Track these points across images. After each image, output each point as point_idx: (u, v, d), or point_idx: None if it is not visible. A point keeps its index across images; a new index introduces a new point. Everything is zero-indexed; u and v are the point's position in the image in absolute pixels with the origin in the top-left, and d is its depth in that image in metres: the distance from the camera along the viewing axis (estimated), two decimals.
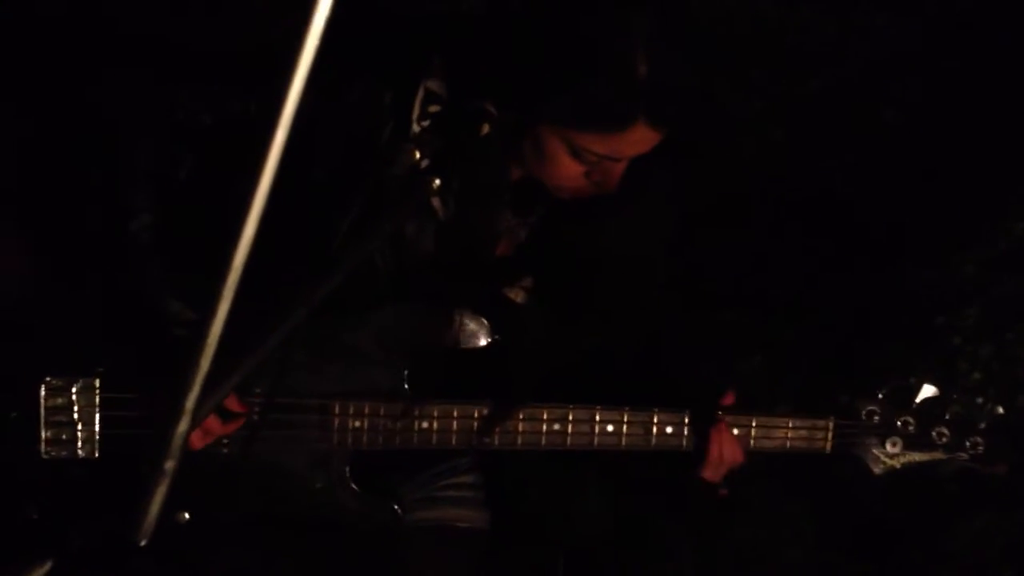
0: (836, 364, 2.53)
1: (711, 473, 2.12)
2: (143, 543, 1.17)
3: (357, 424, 2.09)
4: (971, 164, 3.01)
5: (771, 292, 3.05)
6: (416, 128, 1.95)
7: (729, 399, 2.16)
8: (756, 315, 2.98)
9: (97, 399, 2.02)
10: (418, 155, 1.65)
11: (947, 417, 2.17)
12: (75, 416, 2.01)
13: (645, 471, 2.93)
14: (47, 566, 1.16)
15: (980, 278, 3.03)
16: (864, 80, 3.02)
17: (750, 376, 2.26)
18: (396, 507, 2.16)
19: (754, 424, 2.15)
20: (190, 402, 1.08)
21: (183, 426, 1.10)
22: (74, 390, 2.01)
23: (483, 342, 2.09)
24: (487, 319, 2.09)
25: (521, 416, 2.12)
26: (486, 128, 1.73)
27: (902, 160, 3.05)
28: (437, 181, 1.63)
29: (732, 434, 2.12)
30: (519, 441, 2.13)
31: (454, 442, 2.12)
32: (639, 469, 2.97)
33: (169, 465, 1.12)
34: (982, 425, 2.17)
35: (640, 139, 1.87)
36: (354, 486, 2.12)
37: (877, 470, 2.20)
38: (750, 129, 3.00)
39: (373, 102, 1.99)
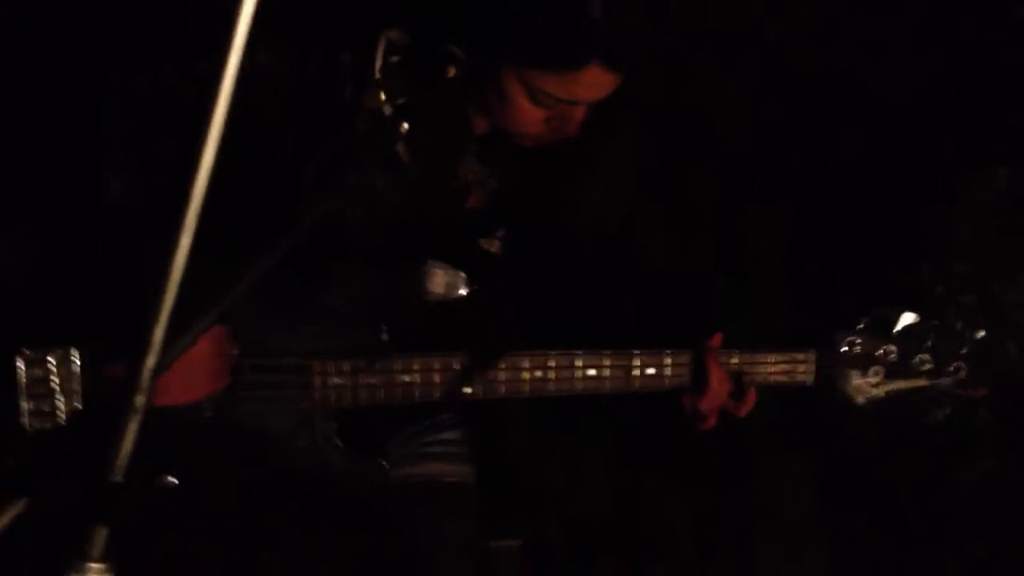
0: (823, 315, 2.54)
1: (708, 404, 2.13)
2: (118, 479, 1.17)
3: (338, 381, 2.08)
4: (952, 120, 3.02)
5: (761, 253, 3.06)
6: (379, 75, 1.96)
7: (716, 340, 2.16)
8: (744, 277, 2.99)
9: (77, 369, 2.01)
10: (383, 97, 1.66)
11: (928, 344, 2.17)
12: (55, 387, 2.01)
13: (641, 440, 2.96)
14: (20, 504, 1.15)
15: (962, 228, 3.04)
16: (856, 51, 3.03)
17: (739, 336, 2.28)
18: (384, 463, 2.16)
19: (736, 360, 2.15)
20: (157, 335, 1.08)
21: (151, 360, 1.10)
22: (51, 360, 2.00)
23: (461, 293, 2.09)
24: (464, 271, 2.08)
25: (503, 365, 2.11)
26: (452, 71, 1.74)
27: (887, 118, 3.05)
28: (405, 125, 1.63)
29: (721, 364, 2.13)
30: (502, 390, 2.13)
31: (437, 395, 2.11)
32: (635, 439, 3.00)
33: (139, 400, 1.12)
34: (963, 350, 2.17)
35: (595, 82, 1.91)
36: (340, 443, 2.12)
37: (861, 400, 2.20)
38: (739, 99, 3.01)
39: (331, 65, 2.00)
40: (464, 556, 2.30)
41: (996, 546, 3.08)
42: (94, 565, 1.23)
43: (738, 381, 2.13)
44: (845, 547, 3.18)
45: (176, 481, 2.07)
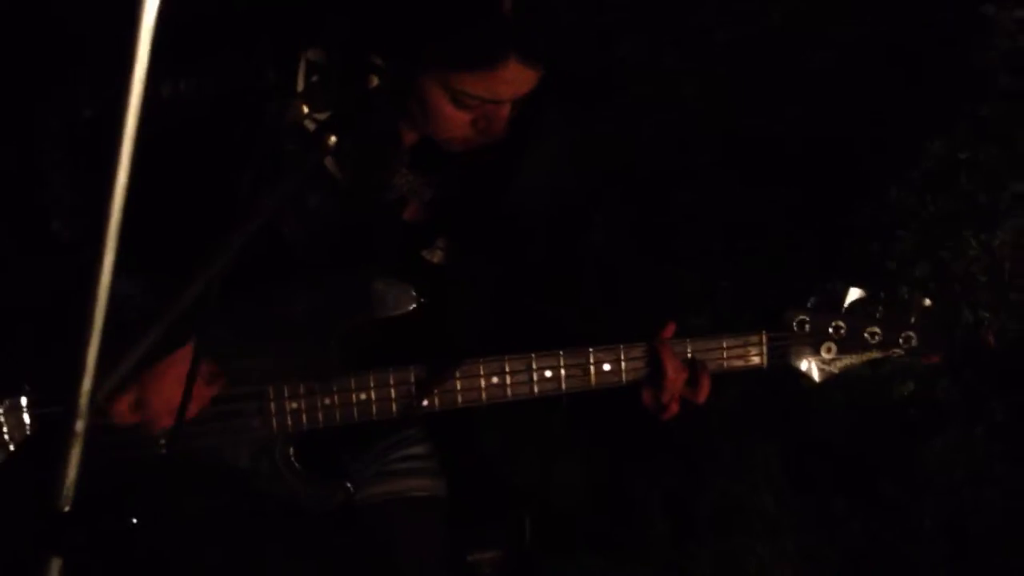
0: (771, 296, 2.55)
1: (667, 395, 2.12)
2: (65, 509, 1.16)
3: (294, 405, 2.08)
4: (888, 95, 3.06)
5: (712, 240, 3.08)
6: (301, 91, 1.96)
7: (669, 330, 2.16)
8: (699, 265, 3.01)
9: (26, 417, 2.00)
10: (306, 110, 1.66)
11: (877, 316, 2.18)
12: (5, 438, 1.99)
13: (614, 434, 2.96)
14: None
15: (907, 200, 3.07)
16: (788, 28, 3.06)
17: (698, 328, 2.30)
18: (348, 484, 2.15)
19: (689, 350, 2.16)
20: (90, 357, 1.07)
21: (87, 383, 1.09)
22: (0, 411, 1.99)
23: (409, 307, 2.09)
24: (409, 283, 2.09)
25: (457, 374, 2.11)
26: (375, 80, 1.74)
27: (826, 98, 3.08)
28: (332, 138, 1.63)
29: (675, 354, 2.14)
30: (459, 400, 2.12)
31: (394, 410, 2.11)
32: (608, 434, 3.00)
33: (79, 426, 1.11)
34: (912, 319, 2.18)
35: (515, 78, 1.91)
36: (300, 468, 2.11)
37: (817, 378, 2.21)
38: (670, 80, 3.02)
39: (252, 87, 2.00)
40: (443, 571, 2.31)
41: (969, 519, 3.10)
42: None
43: (693, 368, 2.13)
44: (820, 530, 3.19)
45: (135, 521, 2.04)
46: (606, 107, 2.78)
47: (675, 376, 2.11)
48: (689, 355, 2.14)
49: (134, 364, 1.31)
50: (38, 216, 2.05)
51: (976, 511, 3.08)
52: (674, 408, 2.15)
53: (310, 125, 1.68)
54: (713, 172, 3.01)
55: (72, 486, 1.16)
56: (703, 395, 2.15)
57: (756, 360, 2.18)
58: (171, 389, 1.97)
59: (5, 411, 1.99)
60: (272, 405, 2.08)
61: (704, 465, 3.24)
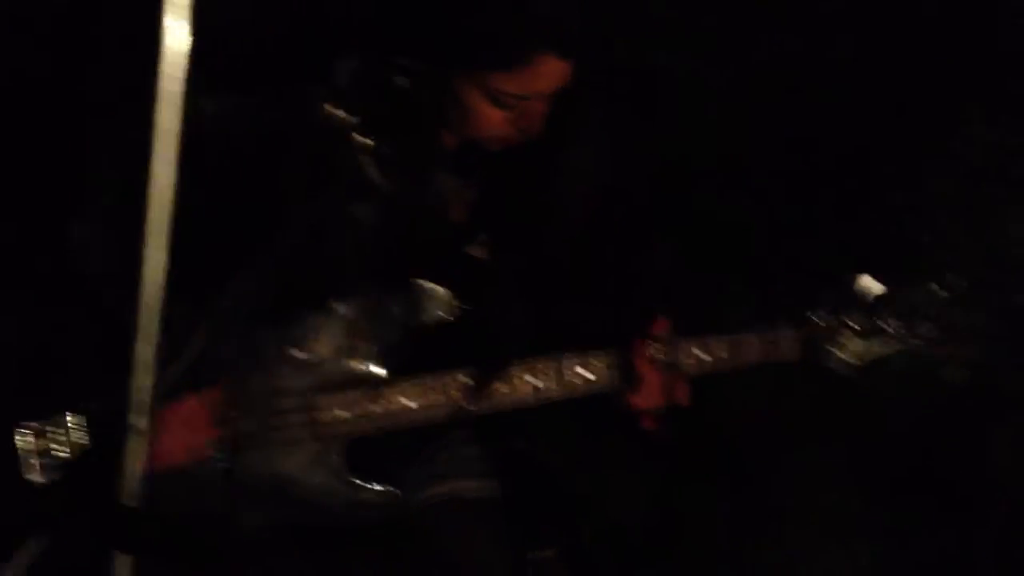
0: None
1: (644, 401, 2.13)
2: (131, 504, 1.24)
3: (342, 415, 2.16)
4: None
5: (750, 246, 3.08)
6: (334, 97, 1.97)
7: (660, 326, 2.17)
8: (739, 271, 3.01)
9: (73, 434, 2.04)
10: (342, 113, 1.72)
11: (896, 308, 2.25)
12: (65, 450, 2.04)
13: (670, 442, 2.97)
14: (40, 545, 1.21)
15: (947, 188, 3.06)
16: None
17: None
18: (396, 490, 2.21)
19: (715, 346, 2.21)
20: (141, 353, 1.17)
21: (142, 378, 1.18)
22: (50, 428, 2.03)
23: (452, 311, 2.17)
24: (454, 287, 2.15)
25: (504, 377, 2.16)
26: (406, 82, 1.80)
27: (856, 86, 3.06)
28: (369, 140, 1.70)
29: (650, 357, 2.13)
30: (507, 402, 2.18)
31: (441, 415, 2.17)
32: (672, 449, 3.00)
33: (138, 420, 1.20)
34: (931, 311, 2.25)
35: (550, 72, 1.96)
36: (351, 478, 2.18)
37: (847, 371, 2.27)
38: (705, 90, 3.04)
39: (288, 104, 2.05)
40: (498, 570, 2.32)
41: None
42: None
43: (669, 371, 2.13)
44: (890, 536, 3.15)
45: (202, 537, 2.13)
46: (651, 111, 2.81)
47: (652, 381, 2.12)
48: (666, 356, 2.15)
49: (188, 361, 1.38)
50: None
51: None
52: (651, 418, 2.16)
53: (347, 127, 1.73)
54: (751, 169, 3.02)
55: (137, 482, 1.24)
56: (684, 397, 2.15)
57: (788, 354, 2.24)
58: (176, 433, 2.02)
59: (73, 423, 2.05)
60: (320, 415, 2.15)
61: (764, 472, 3.21)
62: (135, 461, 1.23)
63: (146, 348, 1.16)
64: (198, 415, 2.07)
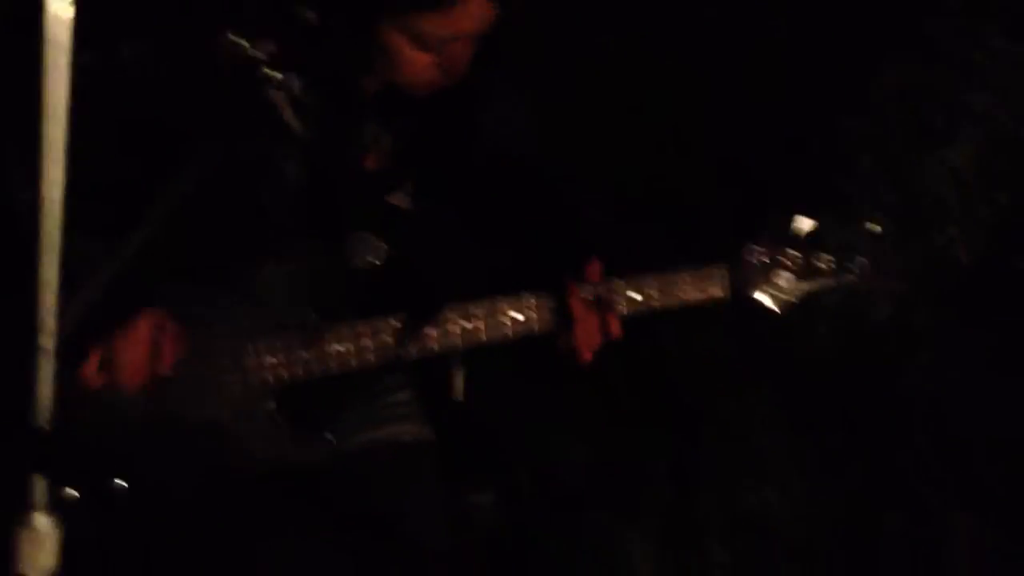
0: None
1: (580, 339, 2.12)
2: (43, 426, 1.23)
3: (273, 360, 2.14)
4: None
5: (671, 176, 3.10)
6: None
7: (592, 268, 2.18)
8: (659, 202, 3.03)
9: None
10: (247, 44, 1.70)
11: (828, 243, 2.26)
12: None
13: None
14: None
15: (863, 127, 3.10)
16: None
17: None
18: (328, 436, 2.21)
19: (647, 285, 2.21)
20: (47, 272, 1.15)
21: (47, 299, 1.17)
22: None
23: (380, 257, 2.16)
24: (377, 233, 2.15)
25: (434, 321, 2.15)
26: (312, 16, 1.77)
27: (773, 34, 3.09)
28: (279, 75, 1.68)
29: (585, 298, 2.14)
30: (436, 346, 2.17)
31: (373, 360, 2.17)
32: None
33: (45, 341, 1.19)
34: (862, 245, 2.26)
35: (475, 12, 1.95)
36: (282, 424, 2.17)
37: (778, 308, 2.28)
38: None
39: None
40: (436, 513, 2.32)
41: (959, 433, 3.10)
42: (38, 515, 1.30)
43: (601, 309, 2.14)
44: (824, 470, 3.19)
45: (125, 484, 2.11)
46: (573, 57, 2.81)
47: (585, 320, 2.12)
48: (598, 296, 2.15)
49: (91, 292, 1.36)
50: None
51: (967, 432, 3.09)
52: (588, 353, 2.15)
53: (256, 62, 1.71)
54: (679, 117, 3.04)
55: (48, 404, 1.23)
56: (616, 329, 2.15)
57: (717, 292, 2.25)
58: (136, 348, 2.02)
59: None
60: (251, 361, 2.13)
61: (703, 417, 3.24)
62: (45, 383, 1.21)
63: (49, 269, 1.14)
64: (148, 336, 2.03)
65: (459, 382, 2.45)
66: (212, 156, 1.61)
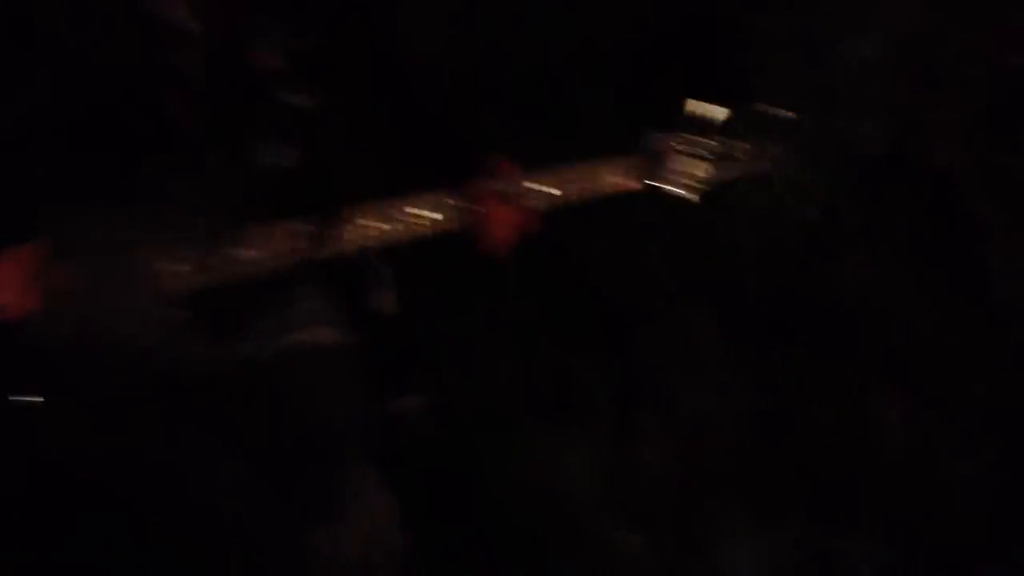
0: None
1: (496, 232, 2.13)
2: None
3: (181, 267, 2.10)
4: None
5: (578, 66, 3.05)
6: None
7: (502, 163, 2.17)
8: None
9: None
10: None
11: (743, 131, 2.25)
12: None
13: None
14: None
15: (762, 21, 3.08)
16: None
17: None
18: (245, 342, 2.18)
19: (558, 176, 2.19)
20: None
21: None
22: None
23: (283, 160, 2.12)
24: (282, 135, 2.11)
25: (342, 221, 2.13)
26: None
27: None
28: None
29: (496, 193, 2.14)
30: (347, 248, 2.14)
31: (285, 264, 2.13)
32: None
33: None
34: (777, 132, 2.26)
35: None
36: (194, 331, 2.13)
37: (693, 197, 2.28)
38: None
39: None
40: (356, 416, 2.32)
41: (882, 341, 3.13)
42: None
43: (511, 200, 2.14)
44: (757, 369, 3.21)
45: (40, 399, 2.07)
46: None
47: (499, 214, 2.12)
48: (509, 190, 2.15)
49: None
50: None
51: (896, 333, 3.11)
52: (504, 244, 2.16)
53: None
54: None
55: None
56: (531, 225, 2.16)
57: (631, 182, 2.24)
58: (12, 272, 1.98)
59: None
60: (158, 268, 2.09)
61: (639, 331, 3.24)
62: None
63: None
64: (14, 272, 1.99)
65: (391, 295, 2.42)
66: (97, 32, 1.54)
